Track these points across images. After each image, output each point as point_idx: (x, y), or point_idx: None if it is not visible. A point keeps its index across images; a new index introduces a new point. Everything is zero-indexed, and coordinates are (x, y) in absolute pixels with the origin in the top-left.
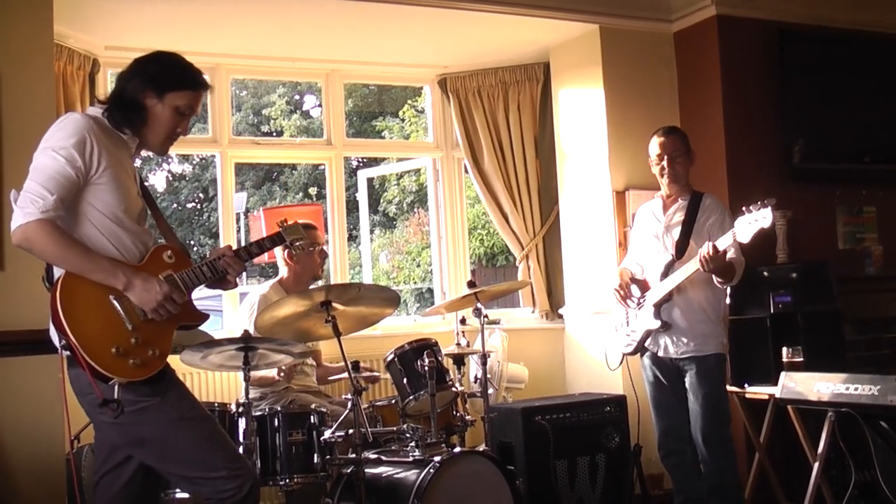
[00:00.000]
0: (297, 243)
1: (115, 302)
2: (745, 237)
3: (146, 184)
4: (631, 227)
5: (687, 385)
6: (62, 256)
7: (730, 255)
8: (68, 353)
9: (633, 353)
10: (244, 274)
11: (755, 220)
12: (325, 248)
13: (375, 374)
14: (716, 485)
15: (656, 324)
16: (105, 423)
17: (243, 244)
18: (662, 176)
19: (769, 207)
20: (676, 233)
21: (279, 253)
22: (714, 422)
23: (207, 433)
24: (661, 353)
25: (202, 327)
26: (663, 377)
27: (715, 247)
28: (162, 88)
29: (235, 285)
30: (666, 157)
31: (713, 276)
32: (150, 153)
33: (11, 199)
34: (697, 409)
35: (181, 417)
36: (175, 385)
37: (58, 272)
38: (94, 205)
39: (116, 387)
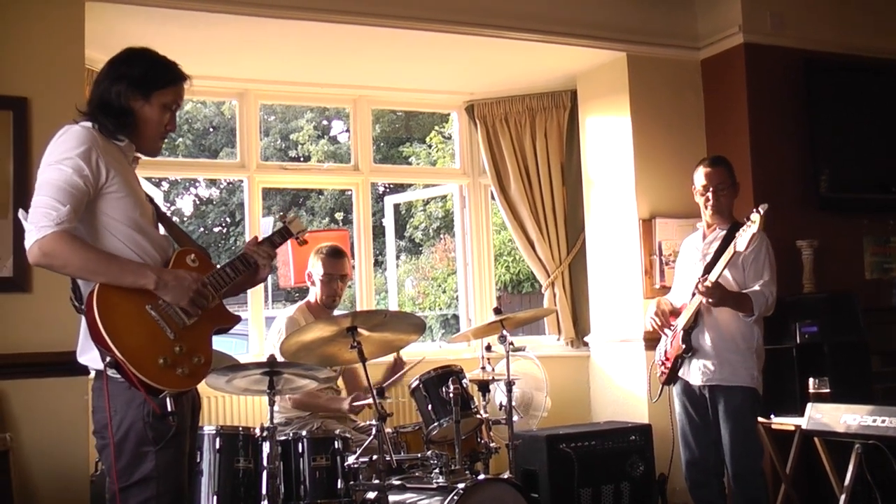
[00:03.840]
0: (302, 236)
1: (152, 312)
2: (742, 245)
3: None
4: (657, 254)
5: (716, 417)
6: (85, 266)
7: (755, 287)
8: (113, 370)
9: (667, 382)
10: (270, 299)
11: (747, 228)
12: (346, 275)
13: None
14: None
15: (682, 347)
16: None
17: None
18: (706, 207)
19: (757, 212)
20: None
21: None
22: (742, 457)
23: None
24: (689, 380)
25: (228, 350)
26: (691, 408)
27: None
28: (147, 89)
29: (267, 275)
30: (711, 190)
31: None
32: (144, 155)
33: (21, 219)
34: (726, 443)
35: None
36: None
37: (86, 289)
38: (110, 215)
39: (168, 399)
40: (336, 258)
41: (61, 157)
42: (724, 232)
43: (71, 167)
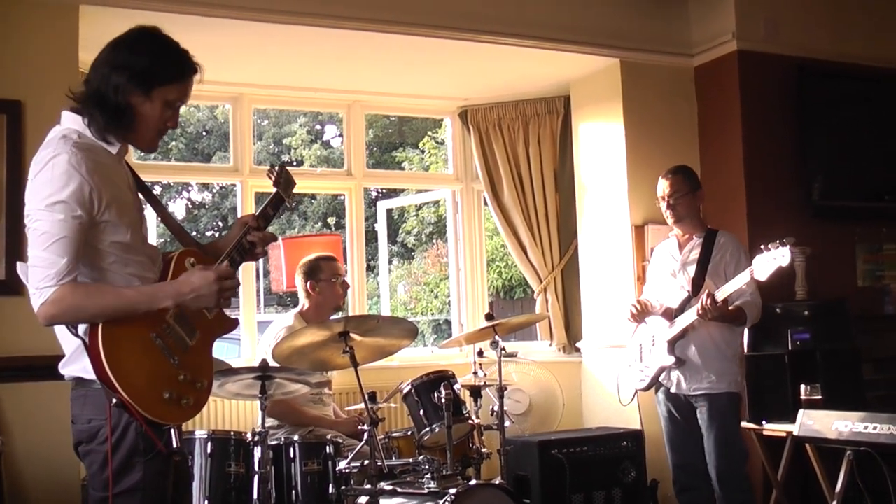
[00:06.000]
0: (292, 190)
1: (157, 341)
2: (763, 275)
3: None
4: (649, 261)
5: (700, 423)
6: (95, 311)
7: (744, 298)
8: (121, 408)
9: (647, 388)
10: (262, 303)
11: (773, 259)
12: (345, 279)
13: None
14: None
15: (670, 360)
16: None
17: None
18: (667, 217)
19: (788, 246)
20: (692, 270)
21: (300, 284)
22: (727, 461)
23: None
24: (673, 389)
25: (220, 355)
26: (677, 413)
27: (713, 297)
28: (149, 85)
29: (265, 254)
30: (666, 200)
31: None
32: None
33: (21, 275)
34: (711, 448)
35: None
36: None
37: None
38: (100, 246)
39: (174, 432)
40: (336, 260)
41: (51, 200)
42: (700, 239)
43: (63, 212)
